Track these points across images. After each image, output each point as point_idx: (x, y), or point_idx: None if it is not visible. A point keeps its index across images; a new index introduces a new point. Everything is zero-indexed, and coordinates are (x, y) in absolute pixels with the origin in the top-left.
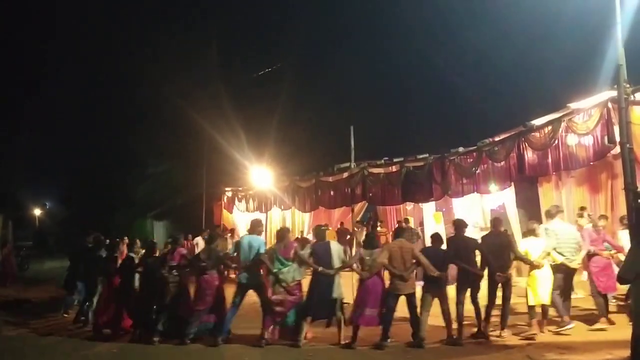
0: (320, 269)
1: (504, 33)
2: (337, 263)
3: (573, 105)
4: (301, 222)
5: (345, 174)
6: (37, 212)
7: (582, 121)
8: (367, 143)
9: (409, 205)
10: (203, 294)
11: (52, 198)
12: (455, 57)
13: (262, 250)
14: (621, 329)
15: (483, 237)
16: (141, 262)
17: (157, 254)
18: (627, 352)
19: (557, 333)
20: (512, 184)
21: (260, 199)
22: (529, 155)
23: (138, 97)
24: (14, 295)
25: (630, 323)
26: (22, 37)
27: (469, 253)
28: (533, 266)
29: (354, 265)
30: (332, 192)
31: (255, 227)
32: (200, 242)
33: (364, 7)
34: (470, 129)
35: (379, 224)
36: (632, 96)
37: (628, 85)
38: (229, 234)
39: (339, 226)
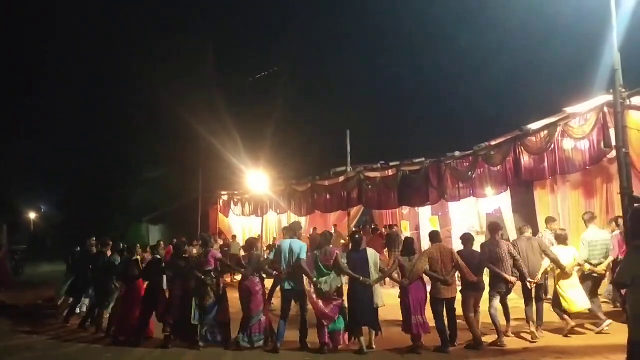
0: (361, 278)
1: (501, 38)
2: (373, 271)
3: (569, 110)
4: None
5: (342, 178)
6: (32, 215)
7: (578, 125)
8: (363, 147)
9: (405, 209)
10: (247, 301)
11: (48, 202)
12: (452, 61)
13: (302, 256)
14: (618, 334)
15: (514, 242)
16: (170, 264)
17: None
18: (623, 357)
19: (600, 332)
20: (509, 188)
21: (257, 203)
22: (525, 159)
23: (134, 102)
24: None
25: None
26: (19, 41)
27: (503, 258)
28: (564, 272)
29: (394, 275)
30: (328, 196)
31: (296, 230)
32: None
33: (361, 12)
34: (466, 133)
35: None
36: (628, 100)
37: (624, 90)
38: (230, 239)
39: (311, 231)
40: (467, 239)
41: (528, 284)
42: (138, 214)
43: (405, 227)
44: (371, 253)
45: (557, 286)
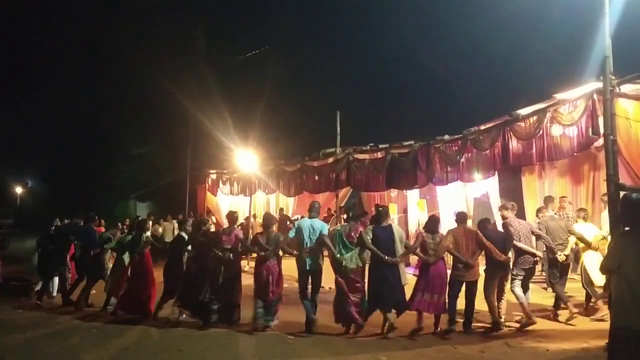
0: (385, 257)
1: (493, 23)
2: (399, 247)
3: (559, 96)
4: (285, 206)
5: (331, 159)
6: (19, 190)
7: (568, 112)
8: (353, 128)
9: (393, 192)
10: (268, 283)
11: (34, 177)
12: (444, 45)
13: (325, 232)
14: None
15: (540, 221)
16: (191, 241)
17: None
18: (603, 342)
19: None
20: (496, 173)
21: (245, 182)
22: (514, 144)
23: (122, 78)
24: None
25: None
26: (7, 14)
27: (528, 236)
28: (591, 247)
29: (418, 252)
30: (316, 177)
31: (317, 210)
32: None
33: None
34: (456, 117)
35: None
36: (617, 88)
37: (614, 77)
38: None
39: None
40: (484, 221)
41: (559, 257)
42: (125, 190)
43: (392, 210)
44: (396, 228)
45: (583, 262)
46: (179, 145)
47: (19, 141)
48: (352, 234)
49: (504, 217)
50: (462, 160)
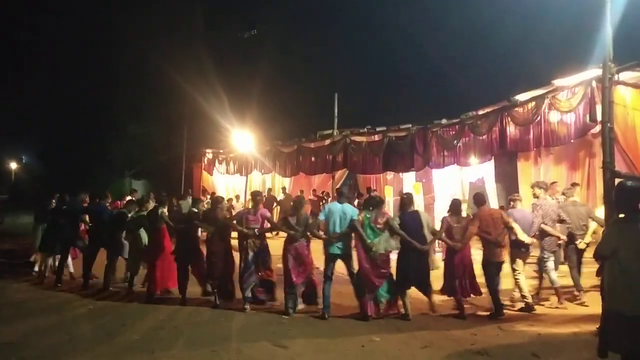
0: (415, 243)
1: (493, 8)
2: (427, 233)
3: (557, 82)
4: (281, 187)
5: (328, 141)
6: (14, 166)
7: (566, 99)
8: (350, 111)
9: (390, 175)
10: (296, 265)
11: (29, 153)
12: (443, 29)
13: (355, 217)
14: (593, 305)
15: (561, 205)
16: (207, 218)
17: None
18: (595, 326)
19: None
20: (493, 158)
21: (241, 162)
22: (511, 130)
23: (119, 56)
24: None
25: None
26: None
27: (554, 219)
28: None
29: (445, 238)
30: (313, 159)
31: (346, 195)
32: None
33: None
34: (454, 102)
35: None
36: (616, 76)
37: (613, 65)
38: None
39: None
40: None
41: (579, 245)
42: (120, 168)
43: (388, 193)
44: (423, 214)
45: None
46: (175, 124)
47: (14, 117)
48: (379, 220)
49: (536, 196)
50: (459, 144)
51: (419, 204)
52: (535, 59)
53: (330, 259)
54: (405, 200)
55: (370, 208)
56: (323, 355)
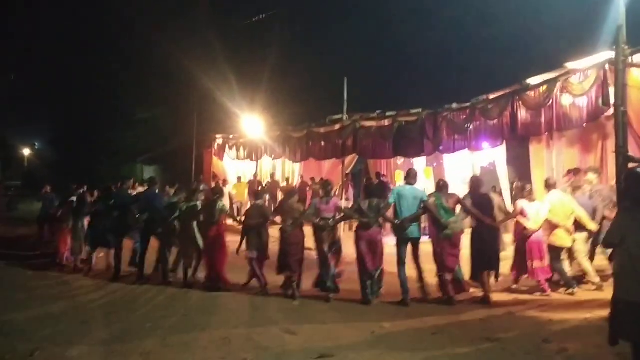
0: (488, 220)
1: None
2: (498, 214)
3: (570, 65)
4: (291, 172)
5: (337, 126)
6: (27, 152)
7: (578, 82)
8: (360, 95)
9: (400, 160)
10: (372, 252)
11: (42, 139)
12: (454, 12)
13: (425, 199)
14: (607, 290)
15: (592, 192)
16: (281, 209)
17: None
18: (606, 312)
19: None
20: (504, 142)
21: (251, 147)
22: (523, 114)
23: (128, 42)
24: None
25: None
26: None
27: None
28: None
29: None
30: (323, 143)
31: (415, 177)
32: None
33: None
34: (465, 85)
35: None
36: (630, 58)
37: (627, 47)
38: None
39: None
40: (476, 181)
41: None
42: (131, 153)
43: (398, 177)
44: (495, 197)
45: None
46: (185, 110)
47: (26, 103)
48: (450, 201)
49: (589, 183)
50: (470, 128)
51: (428, 189)
52: (547, 41)
53: (404, 242)
54: (476, 183)
55: (439, 191)
56: (332, 341)
